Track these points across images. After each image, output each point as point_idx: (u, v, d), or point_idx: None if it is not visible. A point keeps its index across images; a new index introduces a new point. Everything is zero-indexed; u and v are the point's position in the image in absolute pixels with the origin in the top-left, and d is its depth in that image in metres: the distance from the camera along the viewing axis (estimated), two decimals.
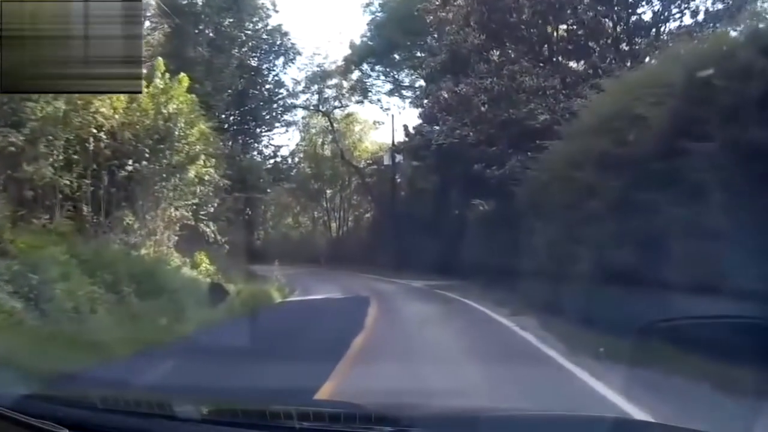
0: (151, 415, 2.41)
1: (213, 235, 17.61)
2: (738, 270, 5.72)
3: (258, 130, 28.92)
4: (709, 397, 5.05)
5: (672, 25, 17.07)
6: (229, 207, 20.51)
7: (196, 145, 14.78)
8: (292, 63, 34.10)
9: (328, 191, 44.31)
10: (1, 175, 10.04)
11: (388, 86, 36.82)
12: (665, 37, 16.36)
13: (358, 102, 38.05)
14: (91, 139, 11.77)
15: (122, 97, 12.01)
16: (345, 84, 37.32)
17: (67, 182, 11.20)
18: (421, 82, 32.45)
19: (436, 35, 24.87)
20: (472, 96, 18.18)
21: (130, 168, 12.62)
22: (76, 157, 11.57)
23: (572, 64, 18.55)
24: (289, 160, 37.79)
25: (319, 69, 35.94)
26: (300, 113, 38.08)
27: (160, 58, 14.48)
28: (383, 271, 27.83)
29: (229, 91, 23.63)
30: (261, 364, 6.39)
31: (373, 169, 38.60)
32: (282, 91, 30.99)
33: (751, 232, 5.73)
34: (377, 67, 36.12)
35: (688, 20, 16.55)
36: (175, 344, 8.48)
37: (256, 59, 27.87)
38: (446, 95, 19.90)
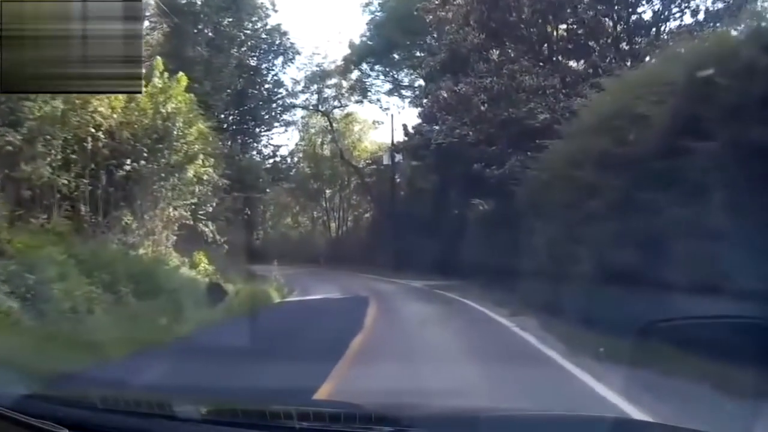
0: (151, 415, 2.40)
1: (212, 235, 17.59)
2: (738, 270, 5.71)
3: (257, 129, 28.95)
4: (709, 398, 5.04)
5: (672, 24, 17.13)
6: (228, 207, 20.49)
7: (194, 144, 14.75)
8: (292, 62, 34.16)
9: (327, 191, 44.27)
10: None
11: (388, 86, 36.95)
12: (665, 37, 16.36)
13: (357, 102, 38.19)
14: (90, 139, 11.73)
15: (121, 96, 11.95)
16: (344, 84, 37.41)
17: (65, 182, 11.16)
18: (421, 82, 32.47)
19: (435, 35, 24.89)
20: (471, 95, 18.14)
21: (128, 167, 12.57)
22: (74, 156, 11.54)
23: (572, 63, 18.54)
24: (289, 160, 37.92)
25: (318, 68, 36.08)
26: (299, 113, 38.25)
27: (159, 58, 14.48)
28: (382, 271, 27.82)
29: (228, 90, 23.63)
30: (260, 364, 6.39)
31: (373, 168, 38.57)
32: (281, 90, 31.10)
33: (752, 232, 5.72)
34: (377, 67, 36.15)
35: (688, 19, 16.59)
36: (174, 344, 8.46)
37: (255, 59, 27.91)
38: (446, 95, 19.86)
